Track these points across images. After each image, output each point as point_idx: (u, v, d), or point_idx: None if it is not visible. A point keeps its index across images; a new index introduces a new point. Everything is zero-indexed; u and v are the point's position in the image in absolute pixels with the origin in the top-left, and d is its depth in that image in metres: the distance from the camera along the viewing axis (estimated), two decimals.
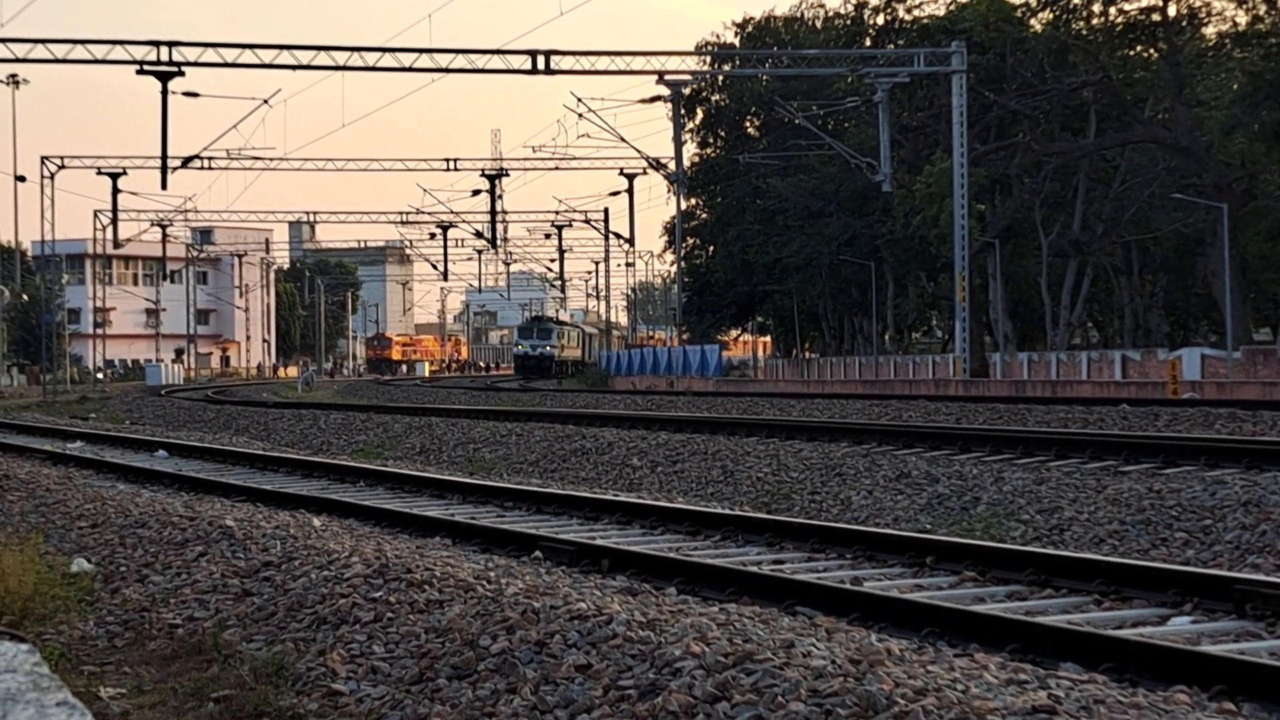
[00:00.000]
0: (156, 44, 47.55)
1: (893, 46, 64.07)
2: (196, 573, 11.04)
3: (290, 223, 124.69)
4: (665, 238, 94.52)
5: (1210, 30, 60.29)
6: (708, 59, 74.90)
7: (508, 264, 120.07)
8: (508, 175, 79.06)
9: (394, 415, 35.74)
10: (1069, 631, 7.67)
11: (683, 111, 74.01)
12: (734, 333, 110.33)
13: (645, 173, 78.68)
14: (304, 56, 47.66)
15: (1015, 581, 9.93)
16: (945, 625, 8.15)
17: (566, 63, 48.47)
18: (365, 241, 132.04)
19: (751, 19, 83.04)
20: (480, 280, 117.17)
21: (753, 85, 78.84)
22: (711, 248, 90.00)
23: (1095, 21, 59.45)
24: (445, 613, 8.33)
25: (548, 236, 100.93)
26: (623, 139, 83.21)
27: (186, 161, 62.60)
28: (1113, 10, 58.74)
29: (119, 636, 9.65)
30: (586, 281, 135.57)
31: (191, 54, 47.66)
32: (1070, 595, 9.53)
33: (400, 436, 30.46)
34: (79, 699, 3.14)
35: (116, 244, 77.82)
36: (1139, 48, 61.65)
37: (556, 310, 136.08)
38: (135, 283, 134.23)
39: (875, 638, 7.12)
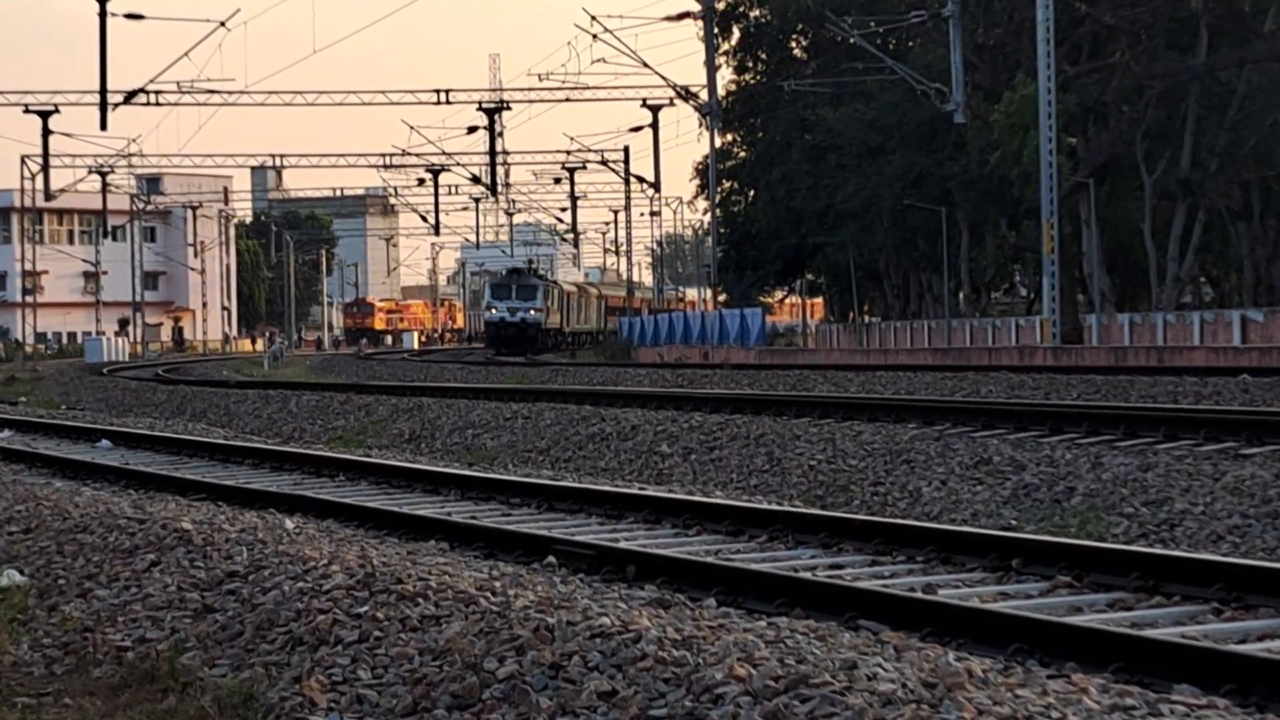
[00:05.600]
0: None
1: None
2: (148, 585, 11.08)
3: (253, 168, 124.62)
4: (697, 181, 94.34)
5: None
6: None
7: (510, 214, 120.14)
8: (509, 109, 79.13)
9: (378, 395, 35.80)
10: (1184, 647, 7.67)
11: (716, 30, 73.86)
12: (779, 294, 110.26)
13: (672, 104, 78.57)
14: None
15: (1118, 588, 9.92)
16: (1036, 641, 8.16)
17: None
18: (342, 190, 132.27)
19: None
20: (478, 234, 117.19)
21: None
22: (752, 192, 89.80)
23: None
24: (443, 631, 8.35)
25: (557, 181, 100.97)
26: (646, 64, 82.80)
27: (130, 96, 62.80)
28: None
29: (58, 662, 9.70)
30: (604, 235, 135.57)
31: None
32: (1184, 604, 9.52)
33: (386, 421, 30.53)
34: None
35: (48, 195, 78.13)
36: None
37: (564, 269, 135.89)
38: (71, 241, 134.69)
39: (953, 656, 7.12)
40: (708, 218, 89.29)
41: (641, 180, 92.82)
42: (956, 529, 12.25)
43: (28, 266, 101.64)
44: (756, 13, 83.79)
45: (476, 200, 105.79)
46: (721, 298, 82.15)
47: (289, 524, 13.32)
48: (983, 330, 67.56)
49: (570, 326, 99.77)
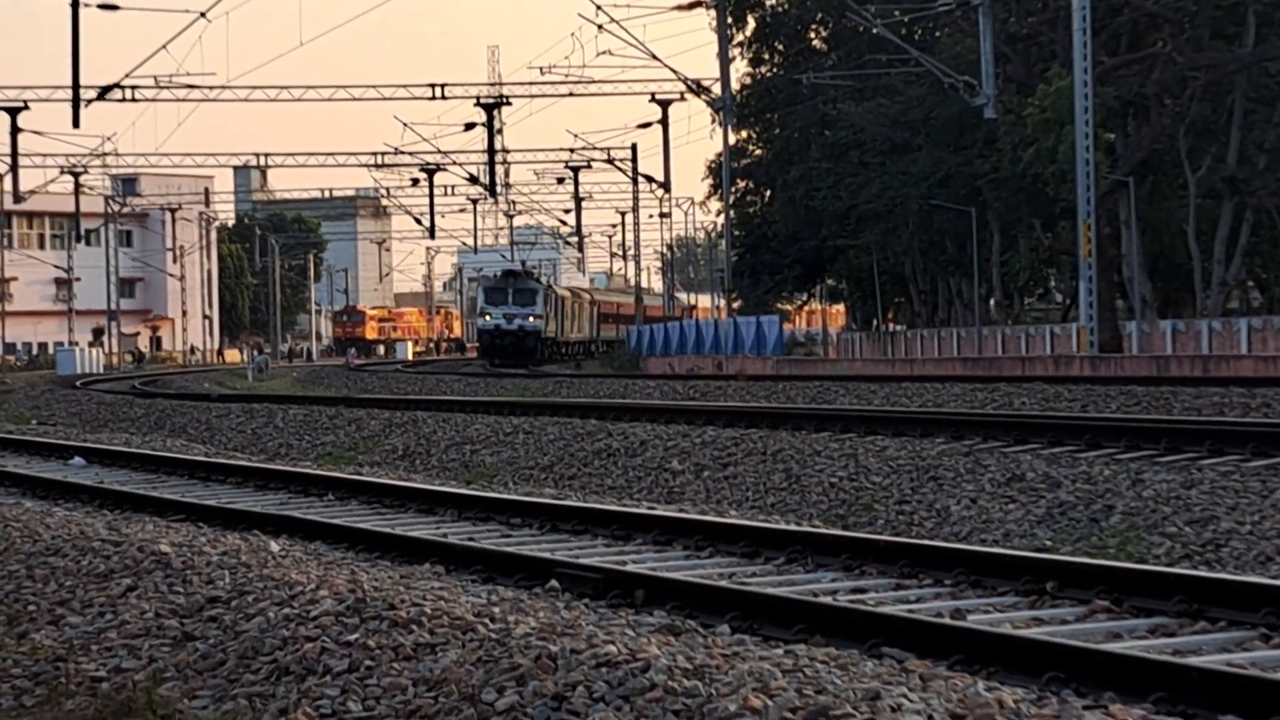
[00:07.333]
0: None
1: None
2: (124, 612, 11.09)
3: (236, 168, 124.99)
4: (709, 181, 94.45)
5: None
6: None
7: (510, 216, 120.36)
8: (509, 104, 79.26)
9: (369, 409, 35.85)
10: (1230, 676, 7.66)
11: (730, 20, 73.91)
12: (798, 300, 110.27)
13: (683, 99, 78.71)
14: None
15: (1160, 612, 9.92)
16: (1072, 669, 8.17)
17: None
18: (331, 190, 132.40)
19: None
20: (476, 237, 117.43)
21: None
22: (768, 192, 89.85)
23: None
24: (438, 660, 8.36)
25: (560, 181, 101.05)
26: (655, 57, 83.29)
27: (104, 92, 62.89)
28: None
29: (28, 694, 9.70)
30: (610, 238, 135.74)
31: None
32: (1230, 630, 9.52)
33: (378, 436, 30.56)
34: None
35: (17, 197, 78.20)
36: None
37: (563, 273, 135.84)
38: (41, 245, 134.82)
39: (983, 686, 7.13)
40: (721, 220, 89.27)
41: (650, 180, 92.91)
42: (987, 550, 12.24)
43: None
44: (773, 1, 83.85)
45: (474, 201, 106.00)
46: (736, 304, 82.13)
47: (274, 546, 13.33)
48: (1015, 339, 67.55)
49: (565, 335, 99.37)
